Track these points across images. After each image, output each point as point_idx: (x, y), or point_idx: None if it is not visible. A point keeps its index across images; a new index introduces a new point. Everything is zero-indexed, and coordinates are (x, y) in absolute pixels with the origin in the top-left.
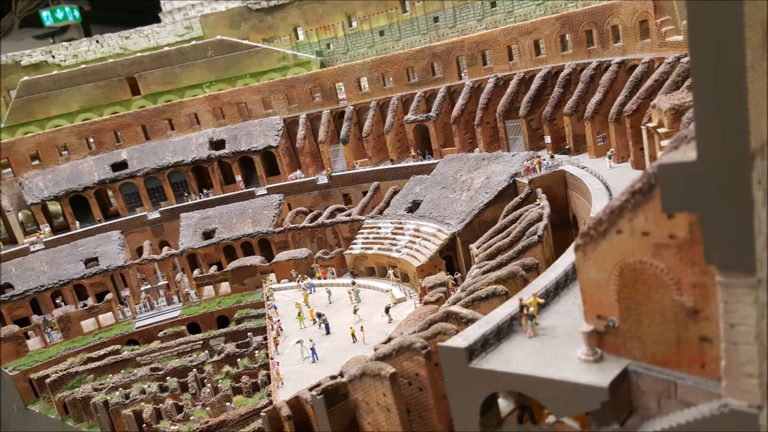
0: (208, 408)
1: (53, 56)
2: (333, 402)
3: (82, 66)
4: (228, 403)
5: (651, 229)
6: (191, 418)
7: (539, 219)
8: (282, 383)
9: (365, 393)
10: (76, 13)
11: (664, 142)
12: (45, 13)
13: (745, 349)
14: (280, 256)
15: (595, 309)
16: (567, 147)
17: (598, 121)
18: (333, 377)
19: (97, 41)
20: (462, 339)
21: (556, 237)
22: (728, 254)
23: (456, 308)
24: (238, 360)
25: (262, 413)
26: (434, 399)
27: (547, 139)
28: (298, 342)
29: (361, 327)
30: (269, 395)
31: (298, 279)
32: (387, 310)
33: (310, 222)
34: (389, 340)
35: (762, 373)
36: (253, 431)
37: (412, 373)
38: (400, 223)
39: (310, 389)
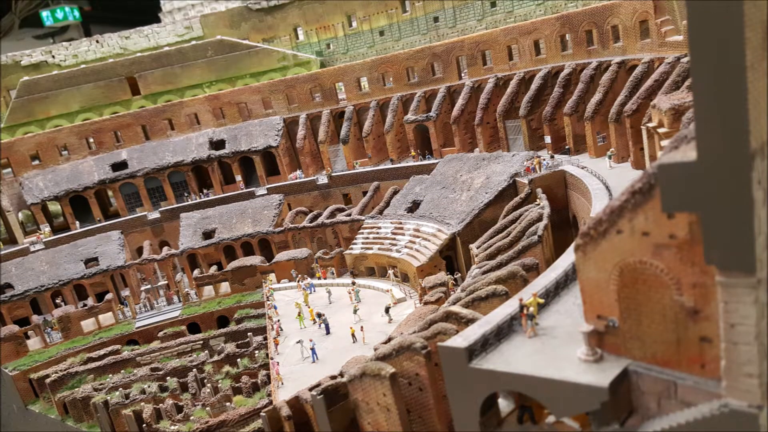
0: (208, 408)
1: (53, 56)
2: (333, 402)
3: (82, 66)
4: (228, 403)
5: (651, 229)
6: (191, 418)
7: (539, 219)
8: (282, 383)
9: (365, 393)
10: (76, 13)
11: (664, 142)
12: (45, 13)
13: (745, 349)
14: (280, 256)
15: (595, 309)
16: (567, 147)
17: (598, 121)
18: (333, 377)
19: (97, 41)
20: (462, 339)
21: (556, 237)
22: (728, 254)
23: (456, 308)
24: (238, 360)
25: (262, 413)
26: (434, 399)
27: (547, 139)
28: (298, 342)
29: (361, 327)
30: (269, 395)
31: (298, 279)
32: (387, 310)
33: (310, 222)
34: (389, 340)
35: (762, 373)
36: (253, 431)
37: (412, 373)
38: (400, 223)
39: (310, 389)
